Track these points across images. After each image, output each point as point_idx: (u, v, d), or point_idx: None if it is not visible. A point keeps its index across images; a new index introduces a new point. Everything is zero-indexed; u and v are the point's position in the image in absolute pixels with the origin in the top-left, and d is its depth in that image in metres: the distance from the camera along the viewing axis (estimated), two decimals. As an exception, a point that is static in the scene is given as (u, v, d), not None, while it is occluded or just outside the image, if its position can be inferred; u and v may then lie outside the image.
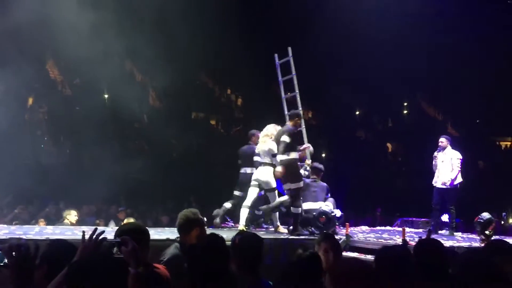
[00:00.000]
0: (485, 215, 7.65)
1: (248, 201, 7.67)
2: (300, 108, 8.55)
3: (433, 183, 9.04)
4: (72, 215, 8.93)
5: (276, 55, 9.11)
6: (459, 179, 8.83)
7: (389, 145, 22.20)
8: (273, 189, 7.66)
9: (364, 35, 20.57)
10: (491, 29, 21.22)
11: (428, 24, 21.59)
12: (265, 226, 8.43)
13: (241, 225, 7.49)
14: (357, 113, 25.68)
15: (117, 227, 4.12)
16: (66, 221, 8.83)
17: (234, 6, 20.44)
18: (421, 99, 27.60)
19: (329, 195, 8.22)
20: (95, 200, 12.58)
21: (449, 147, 8.98)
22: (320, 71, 20.70)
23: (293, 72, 8.79)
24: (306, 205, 7.79)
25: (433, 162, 9.06)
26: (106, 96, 20.22)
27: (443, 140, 9.00)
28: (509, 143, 24.15)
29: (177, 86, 20.09)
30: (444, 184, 8.79)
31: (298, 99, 8.79)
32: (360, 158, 16.81)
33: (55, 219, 9.86)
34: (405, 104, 27.25)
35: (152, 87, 22.62)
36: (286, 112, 8.59)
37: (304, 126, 8.41)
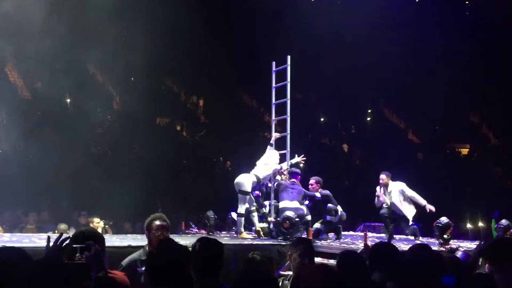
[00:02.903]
0: (444, 219, 7.86)
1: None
2: (289, 132, 8.95)
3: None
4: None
5: (273, 62, 9.45)
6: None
7: (345, 146, 22.65)
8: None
9: (328, 44, 20.89)
10: (451, 39, 21.91)
11: (391, 33, 22.11)
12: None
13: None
14: (322, 120, 26.02)
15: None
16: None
17: (200, 12, 20.41)
18: (384, 106, 28.16)
19: (308, 201, 8.55)
20: (56, 206, 12.28)
21: (390, 182, 8.86)
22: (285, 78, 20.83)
23: (288, 79, 9.04)
24: (283, 203, 8.20)
25: (378, 199, 8.94)
26: (68, 100, 19.81)
27: (383, 177, 8.87)
28: (467, 150, 24.87)
29: (142, 91, 19.88)
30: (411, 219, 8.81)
31: (288, 122, 9.00)
32: (323, 164, 17.00)
33: (13, 226, 9.59)
34: (369, 111, 27.74)
35: (116, 91, 22.32)
36: (273, 133, 9.27)
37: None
